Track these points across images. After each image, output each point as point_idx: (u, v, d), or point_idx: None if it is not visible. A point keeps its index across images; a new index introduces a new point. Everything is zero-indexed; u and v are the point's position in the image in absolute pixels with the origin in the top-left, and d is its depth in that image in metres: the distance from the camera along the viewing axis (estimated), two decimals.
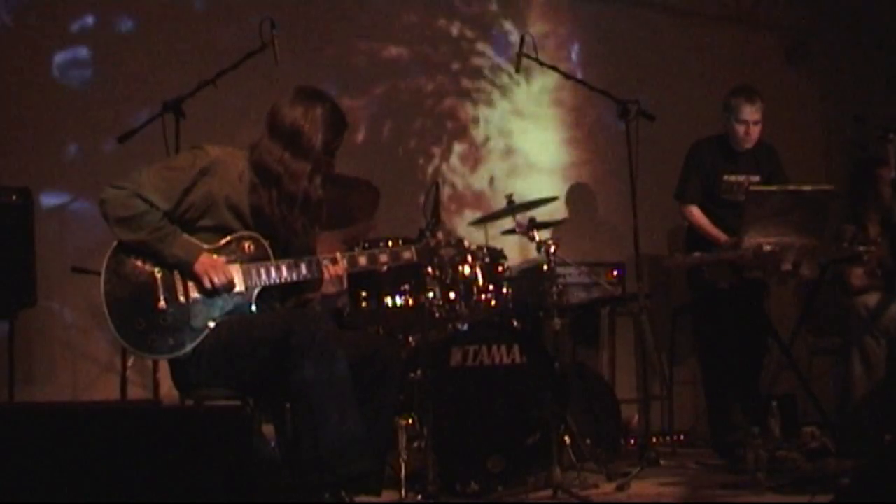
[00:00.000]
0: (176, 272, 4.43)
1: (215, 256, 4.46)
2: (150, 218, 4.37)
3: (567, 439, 5.74)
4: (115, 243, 4.43)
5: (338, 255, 4.65)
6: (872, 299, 6.27)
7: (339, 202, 5.46)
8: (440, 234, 4.86)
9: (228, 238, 4.52)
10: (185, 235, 4.45)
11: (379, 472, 4.68)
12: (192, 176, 4.46)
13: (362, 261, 4.70)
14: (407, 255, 4.77)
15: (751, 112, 6.50)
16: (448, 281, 5.66)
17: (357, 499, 4.57)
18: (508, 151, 8.03)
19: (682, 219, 6.80)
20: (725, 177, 6.61)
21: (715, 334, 6.57)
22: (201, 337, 4.40)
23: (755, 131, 6.55)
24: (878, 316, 6.15)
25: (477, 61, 7.96)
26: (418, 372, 5.41)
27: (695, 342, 7.02)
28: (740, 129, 6.52)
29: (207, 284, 4.43)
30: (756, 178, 6.61)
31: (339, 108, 4.64)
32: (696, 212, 6.61)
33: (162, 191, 4.41)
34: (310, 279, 4.62)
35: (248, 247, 4.54)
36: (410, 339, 5.93)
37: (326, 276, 4.60)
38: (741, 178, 6.61)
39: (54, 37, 6.87)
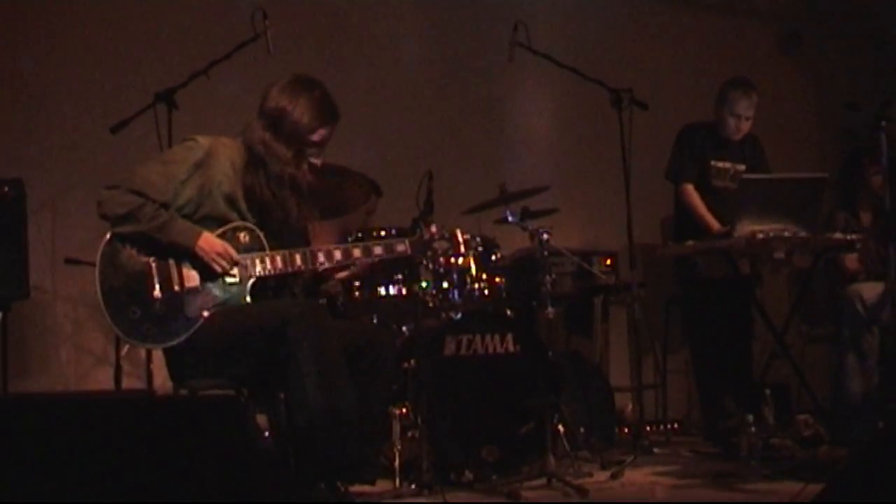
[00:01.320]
0: (171, 261, 4.44)
1: (215, 238, 4.47)
2: (146, 210, 4.38)
3: (561, 428, 5.74)
4: (109, 234, 4.43)
5: (331, 247, 4.66)
6: (867, 289, 6.27)
7: (333, 192, 5.46)
8: (434, 227, 4.87)
9: (223, 229, 4.52)
10: (182, 220, 4.45)
11: (373, 462, 4.69)
12: (186, 169, 4.47)
13: (357, 253, 4.70)
14: (401, 248, 4.78)
15: (746, 107, 6.60)
16: (441, 270, 5.66)
17: (351, 489, 4.58)
18: (501, 140, 8.03)
19: (677, 200, 6.80)
20: (713, 162, 6.67)
21: (705, 323, 6.58)
22: (196, 326, 4.40)
23: (746, 126, 6.67)
24: (880, 309, 6.15)
25: (470, 49, 7.95)
26: (412, 361, 5.42)
27: (684, 331, 7.02)
28: (732, 121, 6.61)
29: (216, 269, 4.45)
30: (741, 167, 6.69)
31: (329, 98, 4.63)
32: (691, 190, 6.65)
33: (157, 186, 4.42)
34: (304, 270, 4.62)
35: (243, 237, 4.55)
36: (404, 328, 5.94)
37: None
38: (727, 164, 6.68)
39: (44, 27, 6.85)
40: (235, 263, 4.49)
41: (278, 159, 4.53)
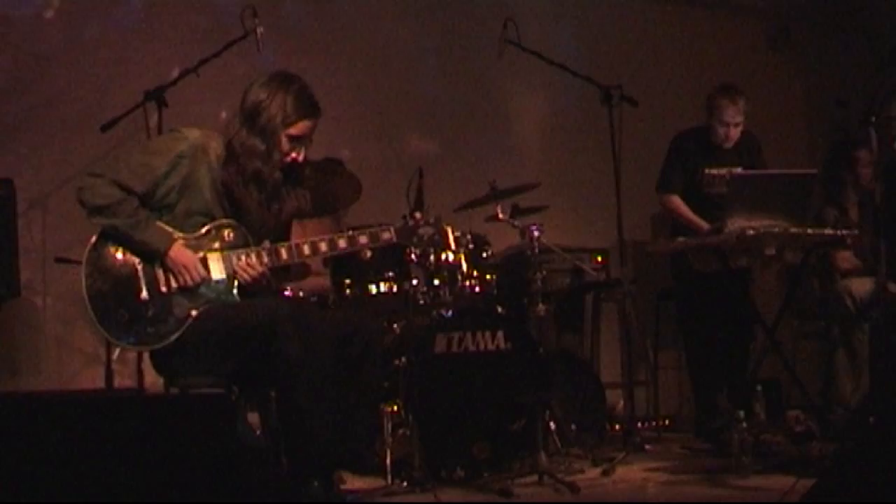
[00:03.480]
0: (157, 263, 4.43)
1: (188, 250, 4.46)
2: (126, 206, 4.38)
3: (552, 425, 5.76)
4: (94, 237, 4.43)
5: (315, 239, 4.65)
6: (857, 285, 6.28)
7: (322, 190, 5.46)
8: (418, 214, 4.86)
9: (207, 227, 4.52)
10: (159, 223, 4.46)
11: (366, 453, 4.70)
12: (170, 160, 4.46)
13: (342, 244, 4.69)
14: (386, 235, 4.77)
15: (733, 114, 6.48)
16: (432, 267, 5.66)
17: (343, 486, 4.59)
18: (491, 137, 8.03)
19: (663, 209, 6.79)
20: (707, 170, 6.58)
21: (699, 320, 6.57)
22: (184, 326, 4.40)
23: (735, 133, 6.54)
24: (870, 306, 6.16)
25: (460, 47, 7.95)
26: (403, 359, 5.41)
27: (678, 328, 7.02)
28: (721, 130, 6.49)
29: (181, 282, 4.44)
30: (738, 171, 6.61)
31: (307, 92, 4.60)
32: (676, 201, 6.59)
33: (140, 175, 4.41)
34: (290, 264, 4.62)
35: (228, 234, 4.54)
36: (395, 325, 5.93)
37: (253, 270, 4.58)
38: (723, 171, 6.58)
39: (34, 26, 6.84)
40: (202, 281, 4.48)
41: (250, 154, 4.52)
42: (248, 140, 4.52)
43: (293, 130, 4.55)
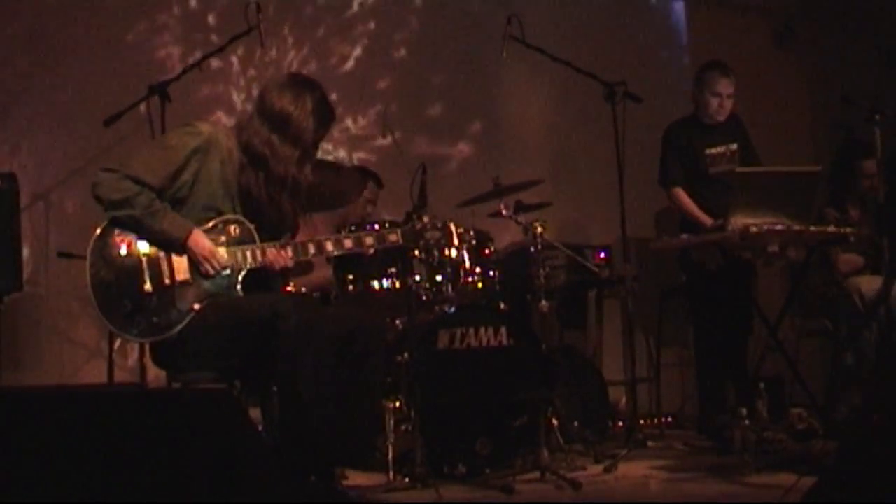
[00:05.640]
0: (162, 255, 4.44)
1: (206, 238, 4.47)
2: (141, 199, 4.38)
3: (554, 421, 5.75)
4: (99, 228, 4.43)
5: (321, 238, 4.65)
6: (865, 283, 6.26)
7: (327, 186, 5.46)
8: (426, 217, 4.86)
9: (214, 221, 4.52)
10: (175, 214, 4.46)
11: (364, 450, 4.70)
12: (184, 155, 4.48)
13: (348, 243, 4.70)
14: (392, 237, 4.78)
15: (725, 85, 6.58)
16: (435, 263, 5.66)
17: (345, 482, 4.58)
18: (495, 133, 8.03)
19: (671, 203, 6.79)
20: (707, 150, 6.62)
21: (704, 315, 6.57)
22: (187, 319, 4.40)
23: (728, 104, 6.62)
24: (879, 304, 6.14)
25: (465, 42, 7.94)
26: (405, 354, 5.41)
27: (688, 324, 7.00)
28: (714, 101, 6.58)
29: (203, 270, 4.45)
30: (734, 146, 6.63)
31: (327, 99, 4.67)
32: (681, 194, 6.60)
33: (154, 170, 4.42)
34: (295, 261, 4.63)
35: (234, 230, 4.54)
36: (397, 321, 5.92)
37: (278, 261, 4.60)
38: (721, 149, 6.62)
39: (37, 20, 6.83)
40: (222, 269, 4.48)
41: (283, 160, 4.53)
42: (281, 147, 4.53)
43: (317, 137, 4.61)
